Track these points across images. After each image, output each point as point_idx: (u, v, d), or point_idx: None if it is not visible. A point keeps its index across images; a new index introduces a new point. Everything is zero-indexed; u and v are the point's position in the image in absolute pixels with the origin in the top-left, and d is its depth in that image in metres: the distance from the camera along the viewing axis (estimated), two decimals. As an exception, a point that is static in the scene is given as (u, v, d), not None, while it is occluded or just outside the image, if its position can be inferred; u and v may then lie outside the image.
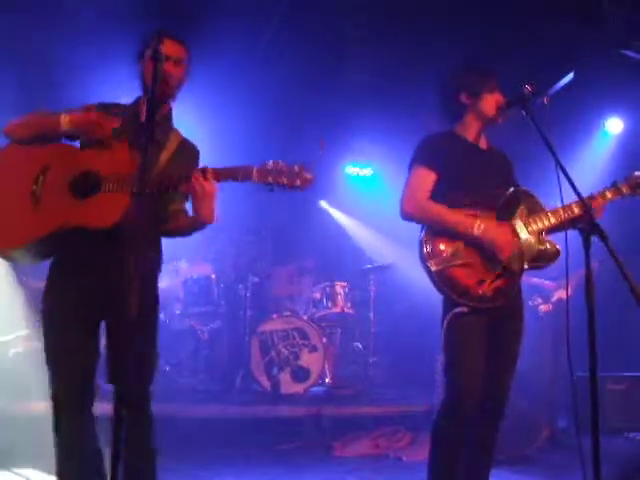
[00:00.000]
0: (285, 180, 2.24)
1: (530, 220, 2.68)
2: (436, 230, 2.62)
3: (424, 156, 2.71)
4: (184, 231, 2.53)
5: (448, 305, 2.64)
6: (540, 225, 2.67)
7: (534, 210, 2.71)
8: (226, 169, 2.28)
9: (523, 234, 2.66)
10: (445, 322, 2.62)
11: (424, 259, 2.61)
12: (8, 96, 4.80)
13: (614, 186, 2.81)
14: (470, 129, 2.78)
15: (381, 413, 5.27)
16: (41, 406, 4.17)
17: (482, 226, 2.58)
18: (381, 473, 4.14)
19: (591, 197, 2.72)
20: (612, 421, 5.13)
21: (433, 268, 2.57)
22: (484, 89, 2.72)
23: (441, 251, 2.59)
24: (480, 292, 2.56)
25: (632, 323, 5.53)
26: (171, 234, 2.53)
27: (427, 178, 2.67)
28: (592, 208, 2.56)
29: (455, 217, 2.61)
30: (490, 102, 2.72)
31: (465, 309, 2.56)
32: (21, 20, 5.10)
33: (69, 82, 5.12)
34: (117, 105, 2.52)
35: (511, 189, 2.73)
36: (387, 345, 6.85)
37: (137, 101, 2.53)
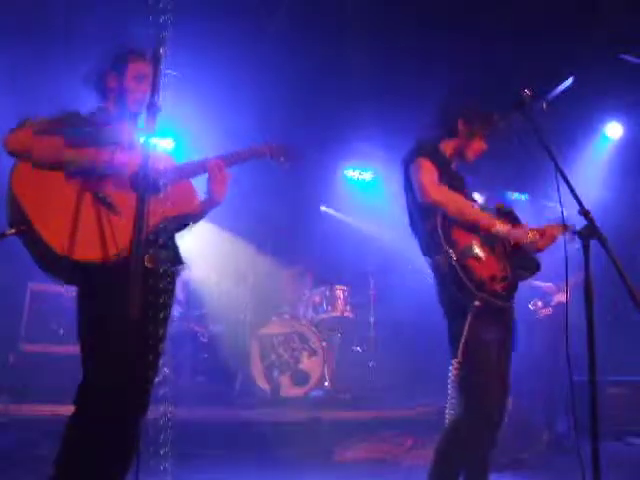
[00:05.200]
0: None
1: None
2: (453, 222, 2.63)
3: (425, 152, 2.76)
4: None
5: (459, 305, 2.59)
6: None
7: (516, 224, 2.79)
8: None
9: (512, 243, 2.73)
10: (467, 325, 2.55)
11: (443, 247, 2.56)
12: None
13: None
14: (450, 151, 2.88)
15: (381, 417, 5.26)
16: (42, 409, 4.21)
17: (501, 224, 2.66)
18: (381, 478, 4.14)
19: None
20: (612, 425, 5.13)
21: (454, 257, 2.53)
22: (482, 131, 2.83)
23: (459, 242, 2.59)
24: (494, 287, 2.58)
25: (631, 327, 5.54)
26: None
27: (433, 170, 2.71)
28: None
29: (477, 210, 2.68)
30: (476, 148, 2.86)
31: (479, 303, 2.53)
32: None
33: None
34: (83, 118, 2.38)
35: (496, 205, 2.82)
36: (387, 349, 6.85)
37: (102, 114, 2.43)
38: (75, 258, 2.08)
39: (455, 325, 2.61)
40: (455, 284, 2.55)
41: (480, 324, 2.55)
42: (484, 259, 2.60)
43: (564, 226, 2.71)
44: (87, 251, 2.10)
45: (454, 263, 2.53)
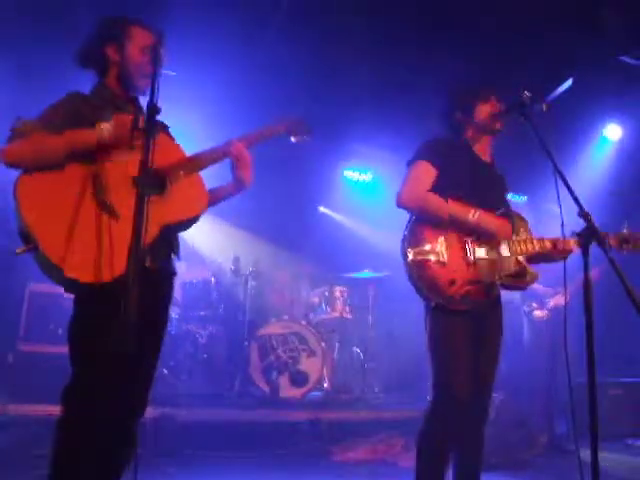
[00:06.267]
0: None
1: (515, 241, 2.72)
2: (425, 221, 2.64)
3: (426, 153, 2.75)
4: None
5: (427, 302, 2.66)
6: (523, 248, 2.72)
7: (520, 232, 2.78)
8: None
9: (505, 251, 2.68)
10: (428, 321, 2.63)
11: (404, 245, 2.63)
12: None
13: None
14: (475, 140, 2.86)
15: (379, 418, 5.26)
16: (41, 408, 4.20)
17: (477, 213, 2.62)
18: (380, 478, 4.14)
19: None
20: (611, 427, 5.13)
21: (410, 256, 2.58)
22: (476, 101, 2.81)
23: (422, 242, 2.60)
24: (449, 293, 2.55)
25: (631, 329, 5.54)
26: None
27: (428, 172, 2.70)
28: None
29: (452, 206, 2.63)
30: (483, 111, 2.80)
31: (434, 304, 2.58)
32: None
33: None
34: (89, 97, 2.29)
35: (502, 209, 2.77)
36: (385, 350, 6.85)
37: (104, 91, 2.30)
38: (71, 277, 1.98)
39: (425, 317, 2.68)
40: (412, 283, 2.60)
41: (440, 321, 2.59)
42: (449, 261, 2.57)
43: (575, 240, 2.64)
44: (82, 272, 1.99)
45: (409, 263, 2.58)
